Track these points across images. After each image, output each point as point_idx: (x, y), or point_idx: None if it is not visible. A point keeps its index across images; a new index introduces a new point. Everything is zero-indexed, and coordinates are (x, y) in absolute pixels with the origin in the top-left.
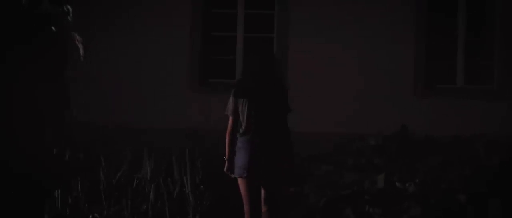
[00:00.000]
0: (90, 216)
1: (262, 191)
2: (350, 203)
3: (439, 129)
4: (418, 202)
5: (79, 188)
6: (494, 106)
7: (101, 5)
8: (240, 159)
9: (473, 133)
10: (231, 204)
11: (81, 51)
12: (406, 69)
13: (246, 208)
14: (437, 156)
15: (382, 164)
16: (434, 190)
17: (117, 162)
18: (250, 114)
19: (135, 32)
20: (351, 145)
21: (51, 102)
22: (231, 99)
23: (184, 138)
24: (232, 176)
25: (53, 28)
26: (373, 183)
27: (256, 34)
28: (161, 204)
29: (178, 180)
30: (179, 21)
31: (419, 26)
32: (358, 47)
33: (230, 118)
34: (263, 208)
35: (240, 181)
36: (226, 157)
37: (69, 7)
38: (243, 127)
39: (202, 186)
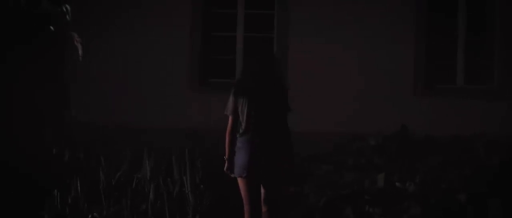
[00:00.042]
0: (90, 216)
1: (262, 191)
2: (350, 202)
3: (439, 129)
4: (418, 202)
5: (79, 187)
6: (494, 106)
7: (101, 5)
8: (240, 159)
9: (473, 132)
10: (231, 204)
11: (80, 51)
12: (406, 69)
13: (246, 207)
14: (437, 155)
15: (382, 164)
16: (434, 190)
17: (117, 162)
18: (250, 114)
19: (135, 32)
20: (351, 144)
21: (50, 102)
22: (231, 98)
23: (184, 138)
24: (232, 175)
25: (51, 27)
26: (373, 182)
27: (256, 34)
28: (160, 204)
29: (178, 179)
30: (179, 21)
31: (419, 26)
32: (358, 47)
33: (230, 118)
34: (263, 208)
35: (240, 180)
36: (226, 156)
37: (68, 6)
38: (243, 127)
39: (202, 186)
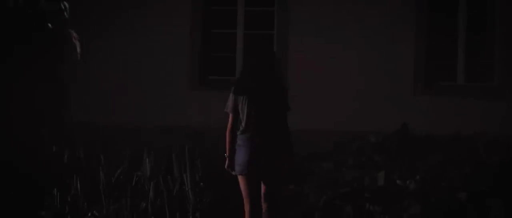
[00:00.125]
0: (89, 214)
1: (262, 189)
2: (350, 201)
3: (439, 128)
4: (418, 200)
5: (78, 186)
6: (494, 105)
7: (101, 5)
8: (240, 157)
9: (473, 131)
10: (231, 202)
11: (78, 49)
12: (406, 69)
13: (246, 206)
14: (437, 154)
15: (382, 162)
16: (434, 188)
17: (117, 161)
18: (250, 114)
19: (135, 32)
20: (351, 143)
21: (49, 102)
22: (231, 96)
23: (184, 137)
24: (233, 173)
25: (49, 25)
26: (374, 181)
27: (256, 32)
28: (160, 202)
29: (178, 178)
30: (179, 21)
31: (419, 26)
32: (358, 47)
33: (230, 116)
34: (263, 206)
35: (240, 178)
36: (227, 154)
37: (66, 4)
38: (243, 125)
39: (202, 184)
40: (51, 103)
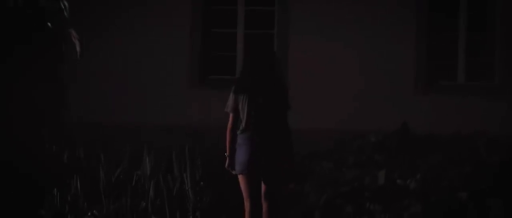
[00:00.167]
0: (89, 214)
1: (262, 188)
2: (351, 200)
3: (440, 127)
4: (418, 200)
5: (78, 186)
6: (495, 104)
7: (101, 5)
8: (241, 156)
9: (474, 130)
10: (231, 201)
11: (78, 48)
12: (406, 69)
13: (246, 205)
14: (438, 153)
15: (382, 161)
16: (435, 188)
17: (117, 160)
18: (250, 112)
19: (135, 32)
20: (351, 142)
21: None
22: (231, 96)
23: (184, 136)
24: (233, 172)
25: (49, 24)
26: (374, 180)
27: (256, 31)
28: (160, 201)
29: (178, 177)
30: (179, 21)
31: (419, 25)
32: (359, 46)
33: (231, 115)
34: (263, 205)
35: (240, 177)
36: (227, 153)
37: (65, 3)
38: (243, 124)
39: (202, 183)
40: (51, 103)
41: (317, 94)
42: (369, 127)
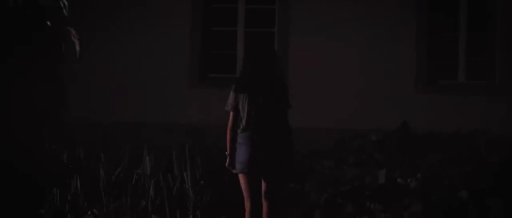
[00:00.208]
0: (89, 213)
1: (263, 188)
2: (351, 199)
3: (440, 126)
4: (419, 199)
5: (78, 185)
6: (495, 103)
7: (101, 5)
8: (241, 155)
9: (474, 129)
10: (232, 200)
11: (77, 47)
12: (407, 67)
13: (246, 204)
14: (438, 152)
15: (383, 160)
16: (435, 187)
17: (117, 159)
18: (251, 111)
19: (135, 32)
20: (352, 141)
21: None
22: (231, 95)
23: (184, 135)
24: (234, 171)
25: (48, 23)
26: (374, 179)
27: (257, 29)
28: (161, 200)
29: (178, 176)
30: (179, 21)
31: (419, 25)
32: (359, 45)
33: (231, 114)
34: (264, 204)
35: (240, 176)
36: (228, 152)
37: (65, 1)
38: (243, 123)
39: (202, 182)
40: (51, 103)
41: (318, 93)
42: (369, 126)
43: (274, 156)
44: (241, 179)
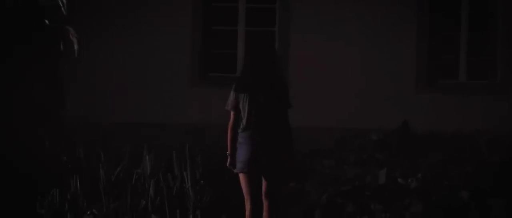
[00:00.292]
0: (89, 213)
1: (263, 187)
2: (352, 199)
3: (440, 126)
4: (419, 199)
5: (78, 185)
6: (496, 102)
7: (101, 5)
8: (241, 154)
9: (475, 129)
10: (232, 200)
11: (76, 46)
12: (407, 67)
13: (247, 203)
14: (439, 152)
15: (383, 160)
16: (436, 187)
17: (117, 159)
18: (251, 111)
19: (135, 32)
20: (352, 140)
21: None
22: (231, 94)
23: (185, 134)
24: (235, 171)
25: (46, 21)
26: (375, 178)
27: (257, 28)
28: (160, 200)
29: (178, 175)
30: (180, 20)
31: (420, 25)
32: (360, 44)
33: (231, 113)
34: (264, 204)
35: (241, 176)
36: (228, 152)
37: (63, 0)
38: (243, 123)
39: (202, 182)
40: (50, 102)
41: (318, 93)
42: (370, 125)
43: (275, 155)
44: (242, 178)
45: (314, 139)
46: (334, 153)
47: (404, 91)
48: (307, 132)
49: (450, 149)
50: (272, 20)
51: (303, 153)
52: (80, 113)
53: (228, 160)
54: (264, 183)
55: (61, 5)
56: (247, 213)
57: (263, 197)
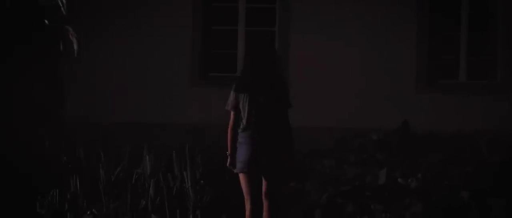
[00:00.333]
0: (88, 213)
1: (263, 187)
2: (352, 199)
3: (440, 126)
4: (419, 199)
5: (78, 184)
6: (496, 102)
7: (101, 5)
8: (241, 154)
9: (475, 129)
10: (232, 200)
11: (75, 46)
12: (407, 67)
13: (246, 203)
14: (439, 152)
15: (383, 160)
16: (436, 187)
17: (117, 159)
18: (251, 111)
19: (136, 32)
20: (353, 140)
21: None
22: (232, 94)
23: (185, 134)
24: (234, 171)
25: (46, 21)
26: (375, 178)
27: (257, 28)
28: (160, 200)
29: (178, 175)
30: (180, 20)
31: (420, 25)
32: (360, 44)
33: (231, 113)
34: (264, 204)
35: (241, 176)
36: (229, 152)
37: (63, 0)
38: (243, 123)
39: (202, 182)
40: (50, 102)
41: (318, 93)
42: (370, 125)
43: (275, 155)
44: (242, 178)
45: (314, 139)
46: (334, 153)
47: (404, 91)
48: (307, 132)
49: (450, 149)
50: (272, 20)
51: (303, 153)
52: (80, 113)
53: (228, 160)
54: (264, 183)
55: (61, 5)
56: (247, 213)
57: (263, 197)
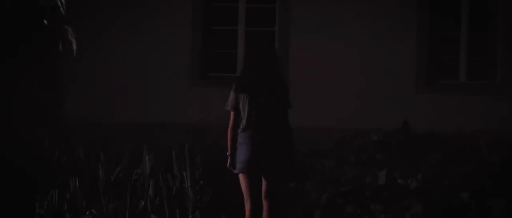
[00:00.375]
0: (88, 213)
1: (263, 187)
2: (352, 199)
3: (440, 126)
4: (419, 199)
5: (77, 185)
6: (496, 103)
7: (101, 5)
8: (241, 155)
9: (475, 129)
10: (232, 200)
11: (74, 46)
12: (407, 67)
13: (246, 204)
14: (439, 152)
15: (383, 160)
16: (436, 187)
17: (117, 159)
18: (251, 111)
19: (136, 32)
20: (352, 141)
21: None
22: (231, 94)
23: (185, 135)
24: (234, 171)
25: (45, 21)
26: (375, 179)
27: (257, 28)
28: (160, 200)
29: (178, 175)
30: (180, 20)
31: (420, 25)
32: (360, 44)
33: (231, 114)
34: (264, 204)
35: (241, 176)
36: (228, 152)
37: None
38: (243, 123)
39: (202, 182)
40: (49, 103)
41: (318, 93)
42: (370, 125)
43: (275, 155)
44: (242, 178)
45: (314, 139)
46: (334, 153)
47: (404, 91)
48: (307, 132)
49: (450, 149)
50: (272, 20)
51: (303, 153)
52: (80, 113)
53: (228, 160)
54: (264, 183)
55: (60, 5)
56: (247, 213)
57: (263, 197)
